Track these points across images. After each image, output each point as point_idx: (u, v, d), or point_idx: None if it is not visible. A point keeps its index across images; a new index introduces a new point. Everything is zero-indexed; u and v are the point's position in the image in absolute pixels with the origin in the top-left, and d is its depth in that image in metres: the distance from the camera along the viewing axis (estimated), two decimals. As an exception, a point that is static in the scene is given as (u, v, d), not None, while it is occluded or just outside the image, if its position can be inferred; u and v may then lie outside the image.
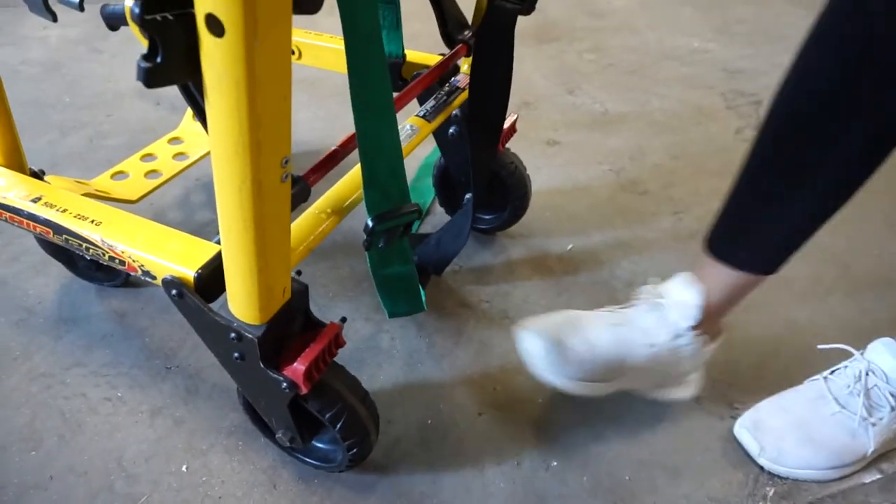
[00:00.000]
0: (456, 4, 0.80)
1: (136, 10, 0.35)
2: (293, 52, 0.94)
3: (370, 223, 0.59)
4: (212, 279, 0.54)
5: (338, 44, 0.91)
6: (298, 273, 0.60)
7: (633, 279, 0.98)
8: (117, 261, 0.57)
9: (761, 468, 0.73)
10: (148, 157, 0.93)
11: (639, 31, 1.81)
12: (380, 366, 0.82)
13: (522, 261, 1.00)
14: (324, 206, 0.60)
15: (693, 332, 0.71)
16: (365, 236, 0.61)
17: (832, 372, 0.76)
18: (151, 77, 0.37)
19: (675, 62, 1.66)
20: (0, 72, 0.85)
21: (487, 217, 1.01)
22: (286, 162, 0.45)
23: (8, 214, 0.61)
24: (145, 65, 0.37)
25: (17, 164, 0.65)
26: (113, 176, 0.85)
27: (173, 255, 0.55)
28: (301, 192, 0.54)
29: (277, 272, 0.52)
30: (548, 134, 1.31)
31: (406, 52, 0.85)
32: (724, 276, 0.69)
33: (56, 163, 1.18)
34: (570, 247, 1.03)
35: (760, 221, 0.65)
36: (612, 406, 0.79)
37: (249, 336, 0.54)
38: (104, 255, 0.58)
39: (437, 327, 0.88)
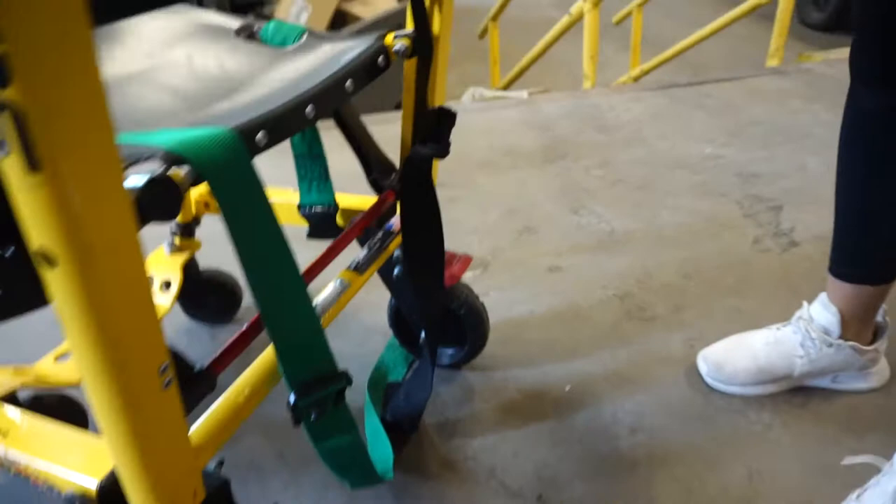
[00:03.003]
0: (379, 149, 0.80)
1: (-37, 250, 0.33)
2: (207, 206, 0.95)
3: (292, 398, 0.55)
4: (118, 488, 0.50)
5: (281, 197, 0.91)
6: (220, 464, 0.55)
7: (638, 424, 0.89)
8: (22, 476, 0.54)
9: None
10: None
11: (648, 142, 1.80)
12: (349, 543, 0.75)
13: (515, 407, 0.92)
14: (241, 387, 0.56)
15: (840, 341, 0.90)
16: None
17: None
18: (-7, 310, 0.35)
19: (686, 171, 1.62)
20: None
21: (449, 352, 0.97)
22: (164, 370, 0.42)
23: None
24: (-15, 298, 0.35)
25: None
26: (58, 358, 0.83)
27: (77, 462, 0.51)
28: (205, 385, 0.51)
29: (178, 479, 0.48)
30: (549, 260, 1.27)
31: (338, 196, 0.85)
32: (852, 291, 0.87)
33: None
34: (568, 388, 0.96)
35: (866, 239, 0.85)
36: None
37: (156, 550, 0.49)
38: (10, 470, 0.54)
39: (416, 495, 0.80)
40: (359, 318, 1.09)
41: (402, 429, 0.85)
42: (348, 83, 0.60)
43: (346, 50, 0.66)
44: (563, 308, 1.13)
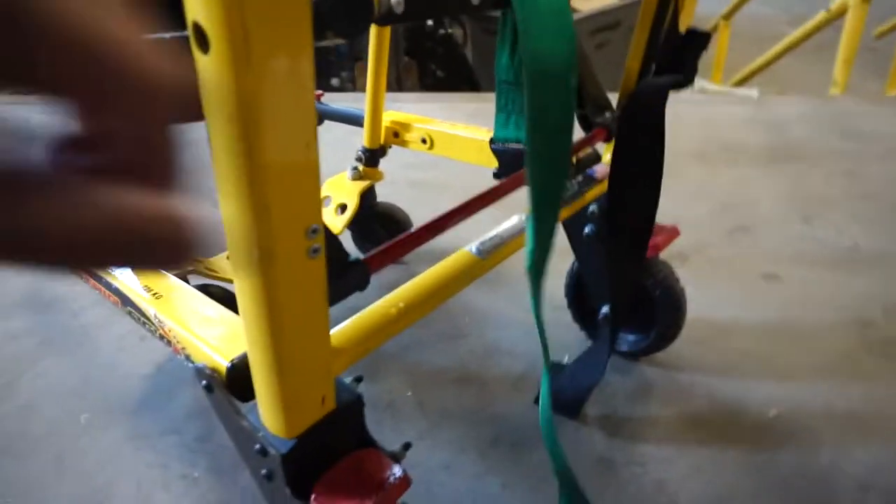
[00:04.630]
0: (597, 82, 0.67)
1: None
2: (424, 142, 0.88)
3: None
4: (248, 373, 0.45)
5: (474, 133, 0.82)
6: (358, 380, 0.48)
7: (869, 480, 0.68)
8: (165, 340, 0.51)
9: None
10: None
11: (914, 157, 1.46)
12: (478, 519, 0.65)
13: (701, 418, 0.76)
14: (396, 299, 0.48)
15: None
16: None
17: None
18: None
19: (966, 197, 1.27)
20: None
21: (630, 338, 0.81)
22: (314, 232, 0.35)
23: (92, 281, 0.60)
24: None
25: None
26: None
27: (215, 339, 0.47)
28: (357, 278, 0.43)
29: (308, 374, 0.41)
30: (765, 266, 1.06)
31: None
32: None
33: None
34: (773, 413, 0.76)
35: None
36: None
37: (273, 452, 0.43)
38: (156, 332, 0.52)
39: (564, 485, 0.68)
40: (530, 284, 0.98)
41: (561, 413, 0.73)
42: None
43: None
44: (778, 322, 0.92)
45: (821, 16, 2.26)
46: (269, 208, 0.32)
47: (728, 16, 3.02)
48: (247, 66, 0.27)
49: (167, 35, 0.29)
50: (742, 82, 2.67)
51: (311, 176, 0.33)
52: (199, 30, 0.27)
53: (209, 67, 0.28)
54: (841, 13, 2.18)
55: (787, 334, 0.89)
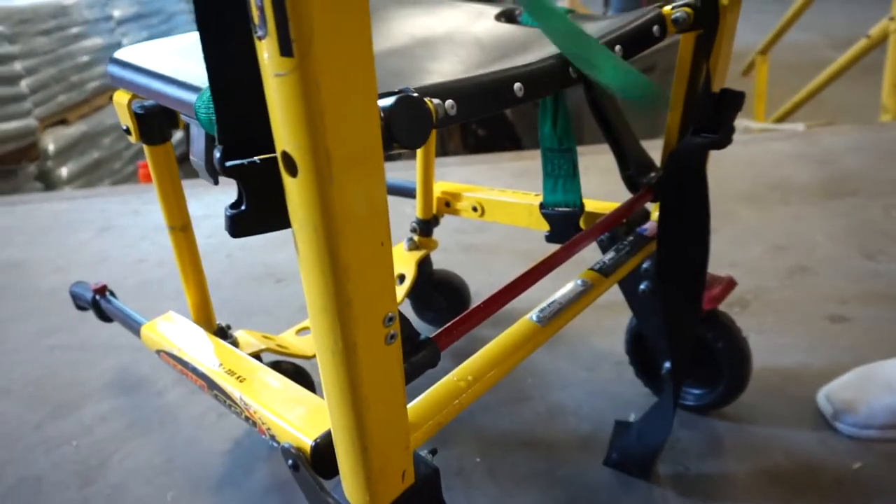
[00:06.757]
0: (639, 144, 0.70)
1: (217, 156, 0.33)
2: (475, 210, 0.91)
3: None
4: (331, 451, 0.47)
5: (522, 199, 0.85)
6: (433, 452, 0.50)
7: (969, 534, 0.64)
8: (251, 421, 0.55)
9: None
10: None
11: (979, 181, 1.41)
12: (557, 587, 0.64)
13: (779, 474, 0.73)
14: (464, 372, 0.50)
15: None
16: None
17: None
18: (236, 226, 0.34)
19: None
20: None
21: (696, 392, 0.81)
22: (390, 320, 0.38)
23: (180, 367, 0.65)
24: (230, 212, 0.34)
25: (205, 319, 0.70)
26: (299, 332, 0.87)
27: (297, 419, 0.50)
28: (429, 356, 0.46)
29: (390, 451, 0.43)
30: (831, 307, 1.03)
31: (585, 201, 0.76)
32: None
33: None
34: (857, 465, 0.74)
35: None
36: None
37: (357, 527, 0.45)
38: (241, 413, 0.56)
39: (642, 549, 0.67)
40: (590, 342, 0.99)
41: (629, 473, 0.73)
42: (617, 48, 0.53)
43: (616, 21, 0.59)
44: (851, 365, 0.89)
45: (862, 43, 2.24)
46: (350, 304, 0.35)
47: (765, 51, 3.02)
48: (330, 185, 0.31)
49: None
50: (785, 116, 2.64)
51: (386, 269, 0.36)
52: (287, 158, 0.31)
53: (297, 187, 0.32)
54: (882, 38, 2.16)
55: (861, 378, 0.86)
